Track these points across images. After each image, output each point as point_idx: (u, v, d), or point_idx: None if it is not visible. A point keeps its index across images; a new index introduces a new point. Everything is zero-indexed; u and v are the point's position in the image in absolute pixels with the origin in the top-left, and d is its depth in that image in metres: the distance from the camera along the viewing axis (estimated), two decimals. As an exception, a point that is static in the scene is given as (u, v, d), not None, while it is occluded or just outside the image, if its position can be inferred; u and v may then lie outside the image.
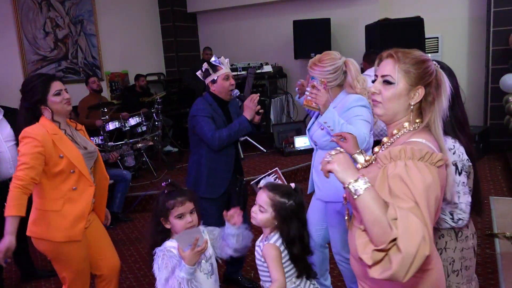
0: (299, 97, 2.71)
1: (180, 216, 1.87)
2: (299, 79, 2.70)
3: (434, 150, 1.24)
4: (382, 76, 1.34)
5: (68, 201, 2.16)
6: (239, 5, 7.76)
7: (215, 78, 2.67)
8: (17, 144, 3.07)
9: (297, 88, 2.68)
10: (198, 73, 2.76)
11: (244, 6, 7.79)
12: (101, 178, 2.39)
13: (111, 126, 5.35)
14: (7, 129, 3.11)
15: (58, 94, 2.16)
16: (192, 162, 2.77)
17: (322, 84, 2.19)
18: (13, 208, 1.98)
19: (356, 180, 1.14)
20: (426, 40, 5.68)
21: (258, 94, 2.73)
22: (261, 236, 1.90)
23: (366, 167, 1.40)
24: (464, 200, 1.68)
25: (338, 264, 2.54)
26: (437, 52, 6.51)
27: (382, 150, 1.36)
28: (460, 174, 1.65)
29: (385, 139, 1.37)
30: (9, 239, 1.97)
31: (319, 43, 6.55)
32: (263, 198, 1.81)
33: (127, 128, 5.47)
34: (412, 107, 1.31)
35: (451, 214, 1.70)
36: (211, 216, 2.62)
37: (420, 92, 1.30)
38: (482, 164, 5.59)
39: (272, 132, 6.57)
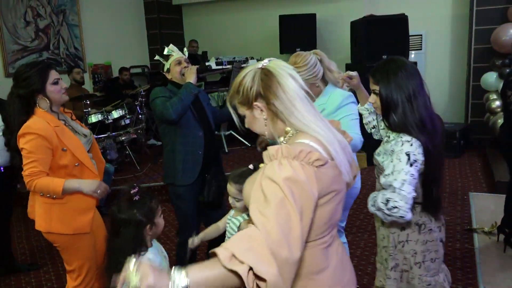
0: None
1: (161, 214, 1.85)
2: None
3: (317, 150, 1.16)
4: None
5: (75, 193, 2.11)
6: (225, -2, 7.72)
7: (168, 66, 2.72)
8: (4, 135, 3.02)
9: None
10: (161, 71, 2.81)
11: (230, -1, 7.76)
12: (97, 162, 2.36)
13: (94, 118, 5.28)
14: None
15: (56, 83, 2.11)
16: (167, 153, 2.71)
17: None
18: (55, 184, 2.01)
19: (172, 281, 0.98)
20: (410, 37, 5.74)
21: (197, 66, 2.71)
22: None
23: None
24: (406, 189, 1.65)
25: None
26: (421, 49, 6.59)
27: None
28: (411, 165, 1.66)
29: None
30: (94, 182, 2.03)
31: (305, 38, 6.55)
32: (232, 191, 1.97)
33: (110, 121, 5.40)
34: (265, 121, 1.27)
35: (387, 201, 1.66)
36: (188, 202, 2.67)
37: (259, 105, 1.25)
38: (463, 160, 5.69)
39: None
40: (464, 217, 3.90)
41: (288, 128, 1.25)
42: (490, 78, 5.64)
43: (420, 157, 1.68)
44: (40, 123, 2.04)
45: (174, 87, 2.68)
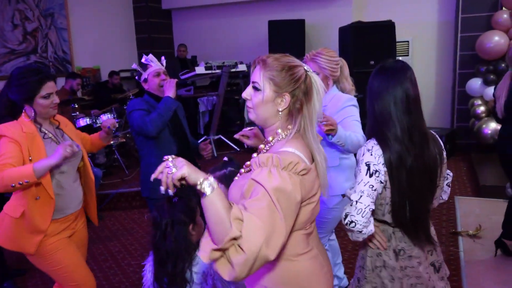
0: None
1: (198, 214, 1.86)
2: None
3: (302, 160, 1.26)
4: (252, 82, 1.35)
5: (29, 211, 2.06)
6: (215, 3, 7.74)
7: (146, 77, 2.70)
8: None
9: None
10: (137, 78, 2.79)
11: (219, 4, 7.78)
12: (87, 178, 2.31)
13: (82, 122, 5.25)
14: None
15: (47, 97, 2.05)
16: (143, 167, 2.69)
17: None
18: (25, 168, 1.87)
19: (206, 179, 1.13)
20: (397, 44, 5.82)
21: (176, 80, 2.71)
22: None
23: (248, 171, 1.36)
24: (364, 201, 1.55)
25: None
26: (408, 55, 6.69)
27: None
28: (370, 176, 1.57)
29: (261, 146, 1.38)
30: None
31: (294, 43, 6.61)
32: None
33: (98, 125, 5.37)
34: (280, 113, 1.32)
35: (345, 215, 1.57)
36: None
37: (287, 98, 1.30)
38: (448, 165, 5.74)
39: (246, 131, 6.58)
40: (449, 221, 3.96)
41: (279, 130, 1.34)
42: (475, 84, 5.74)
43: (382, 167, 1.58)
44: (12, 127, 2.00)
45: (151, 98, 2.66)
